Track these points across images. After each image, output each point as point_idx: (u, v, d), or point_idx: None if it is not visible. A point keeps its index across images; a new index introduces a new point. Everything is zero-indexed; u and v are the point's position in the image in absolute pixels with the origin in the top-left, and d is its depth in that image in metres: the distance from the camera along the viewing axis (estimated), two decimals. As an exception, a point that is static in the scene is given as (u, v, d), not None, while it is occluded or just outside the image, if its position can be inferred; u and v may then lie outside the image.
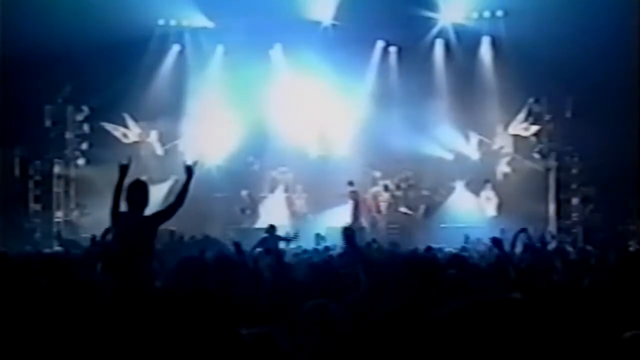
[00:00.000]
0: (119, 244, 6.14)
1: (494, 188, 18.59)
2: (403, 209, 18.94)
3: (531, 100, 18.96)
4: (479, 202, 18.58)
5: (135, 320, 3.46)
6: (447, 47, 19.77)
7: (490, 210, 18.28)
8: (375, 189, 19.04)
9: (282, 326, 3.76)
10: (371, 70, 19.93)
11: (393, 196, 18.89)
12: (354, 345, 3.68)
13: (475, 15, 19.61)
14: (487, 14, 19.40)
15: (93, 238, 10.09)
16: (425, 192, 19.16)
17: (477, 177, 18.91)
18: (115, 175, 6.53)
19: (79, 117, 19.81)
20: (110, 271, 6.11)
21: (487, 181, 18.63)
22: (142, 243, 6.10)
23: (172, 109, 19.73)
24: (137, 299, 4.93)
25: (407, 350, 1.98)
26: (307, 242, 14.07)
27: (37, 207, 19.36)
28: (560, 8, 16.14)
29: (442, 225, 17.86)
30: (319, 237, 15.74)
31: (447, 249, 12.31)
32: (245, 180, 19.38)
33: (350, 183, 18.38)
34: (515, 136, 19.23)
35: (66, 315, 3.96)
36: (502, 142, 19.29)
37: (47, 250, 14.90)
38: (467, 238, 14.93)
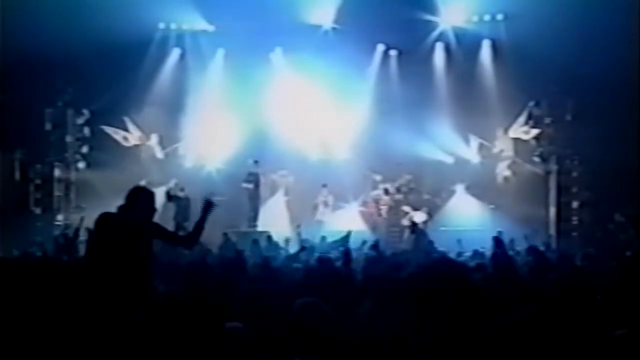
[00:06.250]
0: (112, 250, 5.78)
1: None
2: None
3: (531, 103, 18.96)
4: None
5: (138, 327, 3.44)
6: (448, 50, 19.78)
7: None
8: (375, 192, 19.04)
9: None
10: (371, 74, 19.92)
11: (394, 200, 18.89)
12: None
13: (475, 18, 19.61)
14: (487, 17, 19.40)
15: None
16: (425, 196, 19.15)
17: (477, 181, 18.92)
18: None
19: (80, 121, 19.79)
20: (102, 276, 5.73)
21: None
22: (139, 248, 5.82)
23: (173, 112, 19.73)
24: (137, 304, 4.79)
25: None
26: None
27: (38, 210, 19.36)
28: (560, 11, 16.12)
29: (443, 229, 17.84)
30: (323, 240, 15.72)
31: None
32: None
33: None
34: (516, 139, 19.22)
35: (63, 320, 3.94)
36: (503, 145, 19.29)
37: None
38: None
